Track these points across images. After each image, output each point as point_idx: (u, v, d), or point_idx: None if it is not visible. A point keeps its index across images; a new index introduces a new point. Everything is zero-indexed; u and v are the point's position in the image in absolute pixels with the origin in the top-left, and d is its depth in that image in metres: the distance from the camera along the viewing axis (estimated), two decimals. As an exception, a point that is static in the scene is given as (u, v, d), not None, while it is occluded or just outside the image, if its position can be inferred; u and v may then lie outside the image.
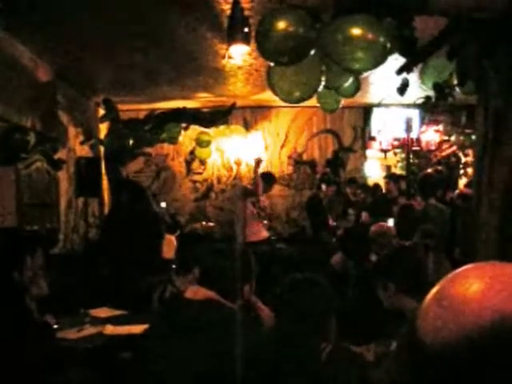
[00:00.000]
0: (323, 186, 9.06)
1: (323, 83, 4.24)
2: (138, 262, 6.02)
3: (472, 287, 0.92)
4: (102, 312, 4.65)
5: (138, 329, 3.69)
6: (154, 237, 6.66)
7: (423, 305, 0.97)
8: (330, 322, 2.40)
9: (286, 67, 3.96)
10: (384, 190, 8.82)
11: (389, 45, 3.58)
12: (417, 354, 0.95)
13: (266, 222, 8.41)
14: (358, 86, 5.10)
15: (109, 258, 6.69)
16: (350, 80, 4.77)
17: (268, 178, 8.38)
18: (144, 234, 6.54)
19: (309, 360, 2.24)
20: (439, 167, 9.56)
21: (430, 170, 8.70)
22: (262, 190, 8.07)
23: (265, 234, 8.12)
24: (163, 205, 9.21)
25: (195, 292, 2.60)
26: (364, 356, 2.53)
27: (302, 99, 4.35)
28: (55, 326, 4.05)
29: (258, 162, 8.05)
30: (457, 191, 7.81)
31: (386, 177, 9.06)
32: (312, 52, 3.77)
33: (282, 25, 3.63)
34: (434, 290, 0.98)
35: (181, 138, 9.23)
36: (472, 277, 0.96)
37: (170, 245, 6.57)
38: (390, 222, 6.33)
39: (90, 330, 4.14)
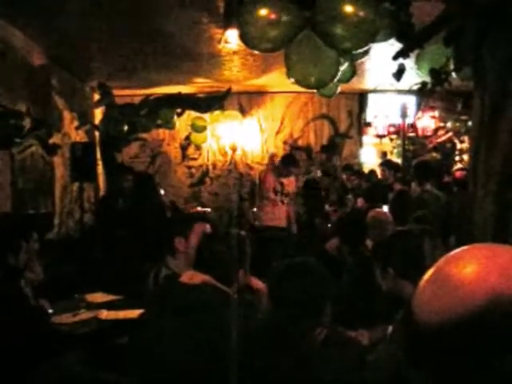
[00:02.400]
0: (318, 172, 9.05)
1: (340, 71, 4.22)
2: (142, 248, 6.04)
3: (467, 268, 0.93)
4: (97, 297, 4.65)
5: (133, 313, 3.69)
6: (159, 223, 6.69)
7: (419, 286, 0.98)
8: (325, 307, 2.41)
9: (303, 52, 3.92)
10: (380, 177, 8.82)
11: (378, 22, 3.56)
12: (412, 334, 0.96)
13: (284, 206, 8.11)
14: (353, 71, 5.08)
15: (106, 244, 6.71)
16: (346, 65, 4.75)
17: (286, 160, 8.11)
18: (148, 220, 6.57)
19: (303, 345, 2.25)
20: (434, 154, 9.58)
21: (423, 158, 8.73)
22: (280, 173, 7.99)
23: (276, 221, 7.99)
24: (162, 192, 9.21)
25: (191, 276, 2.60)
26: (359, 341, 2.55)
27: (318, 85, 4.32)
28: (50, 311, 4.05)
29: (272, 156, 8.01)
30: (451, 176, 7.81)
31: (381, 164, 9.06)
32: (300, 39, 3.77)
33: (264, 12, 3.61)
34: (429, 271, 0.99)
35: (177, 124, 9.23)
36: (467, 258, 0.96)
37: None
38: (385, 209, 6.33)
39: (85, 315, 4.14)
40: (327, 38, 3.61)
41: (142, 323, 2.72)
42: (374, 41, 3.69)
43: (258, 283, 2.87)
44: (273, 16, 3.57)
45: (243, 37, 3.78)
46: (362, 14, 3.45)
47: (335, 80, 4.28)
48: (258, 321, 2.52)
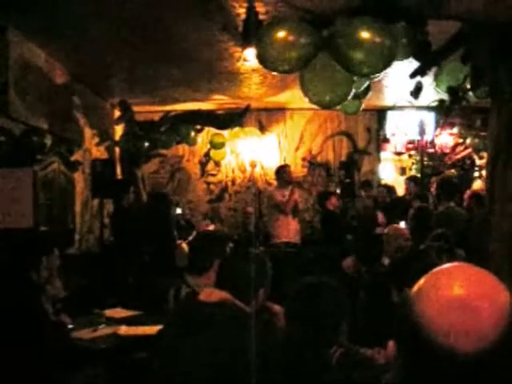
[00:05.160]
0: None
1: (354, 90, 4.26)
2: (153, 264, 6.10)
3: (485, 288, 0.98)
4: (117, 312, 4.68)
5: (152, 330, 3.72)
6: (168, 240, 6.77)
7: (433, 316, 1.00)
8: (341, 326, 2.42)
9: (317, 72, 3.97)
10: (404, 191, 8.88)
11: (395, 47, 3.59)
12: (440, 363, 0.99)
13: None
14: (368, 88, 5.10)
15: (123, 259, 6.77)
16: (366, 83, 4.78)
17: (277, 173, 8.45)
18: (159, 236, 6.64)
19: (320, 363, 2.26)
20: (452, 170, 9.56)
21: (444, 175, 8.73)
22: (278, 185, 8.19)
23: (289, 236, 8.06)
24: (178, 210, 9.27)
25: (209, 294, 2.63)
26: (375, 359, 2.55)
27: (333, 104, 4.36)
28: (70, 326, 4.09)
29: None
30: (468, 192, 7.76)
31: (408, 178, 9.11)
32: (324, 60, 3.81)
33: (281, 34, 3.67)
34: (435, 299, 1.01)
35: (199, 140, 9.33)
36: (471, 278, 1.00)
37: (182, 253, 6.64)
38: (402, 224, 6.31)
39: (104, 331, 4.17)
40: (345, 63, 3.64)
41: (162, 339, 2.75)
42: (390, 66, 3.72)
43: (275, 307, 2.89)
44: (290, 38, 3.62)
45: (261, 58, 3.84)
46: (378, 39, 3.49)
47: (349, 98, 4.32)
48: (274, 339, 2.54)
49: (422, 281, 1.08)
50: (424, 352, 1.01)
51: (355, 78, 4.19)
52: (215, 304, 2.54)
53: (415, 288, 1.08)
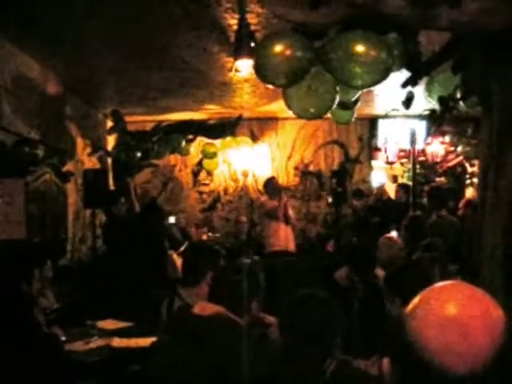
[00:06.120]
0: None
1: (337, 101, 4.29)
2: (145, 275, 6.08)
3: (477, 310, 0.99)
4: (109, 324, 4.66)
5: (145, 342, 3.71)
6: (160, 250, 6.77)
7: (428, 335, 1.01)
8: (335, 339, 2.42)
9: (300, 85, 4.00)
10: (394, 197, 8.93)
11: (391, 61, 3.62)
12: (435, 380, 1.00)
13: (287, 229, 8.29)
14: (358, 98, 5.12)
15: (115, 270, 6.75)
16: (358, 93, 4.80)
17: (265, 186, 8.57)
18: (150, 247, 6.63)
19: (314, 376, 2.26)
20: (442, 178, 9.62)
21: (436, 183, 8.79)
22: (269, 197, 8.30)
23: (283, 243, 8.10)
24: (172, 220, 9.27)
25: (203, 307, 2.63)
26: (369, 371, 2.55)
27: (317, 115, 4.39)
28: (63, 338, 4.07)
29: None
30: (463, 200, 7.80)
31: (398, 185, 9.16)
32: (310, 73, 3.84)
33: (278, 48, 3.69)
34: (430, 317, 1.02)
35: (192, 150, 9.36)
36: (466, 299, 1.01)
37: (174, 265, 6.65)
38: (394, 234, 6.33)
39: (97, 343, 4.15)
40: (340, 76, 3.66)
41: (155, 352, 2.74)
42: (387, 78, 3.75)
43: (269, 318, 2.89)
44: (288, 52, 3.64)
45: (259, 72, 3.85)
46: (374, 53, 3.51)
47: (333, 108, 4.35)
48: (269, 352, 2.53)
49: (415, 299, 1.09)
50: (418, 371, 1.02)
51: (343, 89, 4.23)
52: (209, 317, 2.53)
53: (409, 307, 1.09)
